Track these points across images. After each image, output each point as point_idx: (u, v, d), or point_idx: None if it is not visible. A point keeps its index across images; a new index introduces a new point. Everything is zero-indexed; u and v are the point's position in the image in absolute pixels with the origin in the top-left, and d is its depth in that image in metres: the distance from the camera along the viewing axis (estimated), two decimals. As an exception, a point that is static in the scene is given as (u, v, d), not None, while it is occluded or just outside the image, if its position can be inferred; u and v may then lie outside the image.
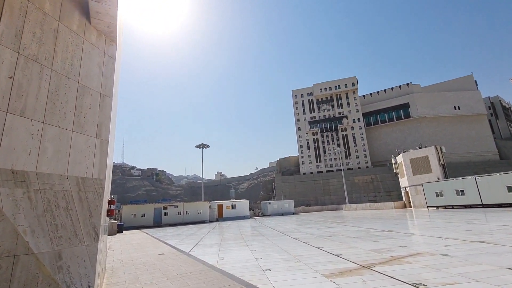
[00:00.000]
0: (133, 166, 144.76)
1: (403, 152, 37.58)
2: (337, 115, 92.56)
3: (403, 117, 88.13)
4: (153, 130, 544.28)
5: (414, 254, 7.06)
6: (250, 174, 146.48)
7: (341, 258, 7.15)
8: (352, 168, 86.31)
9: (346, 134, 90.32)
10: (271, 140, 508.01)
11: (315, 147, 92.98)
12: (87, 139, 4.01)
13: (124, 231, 25.86)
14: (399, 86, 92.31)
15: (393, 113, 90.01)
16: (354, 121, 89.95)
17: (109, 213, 5.79)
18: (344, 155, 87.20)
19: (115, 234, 23.31)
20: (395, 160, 40.40)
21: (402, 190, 38.96)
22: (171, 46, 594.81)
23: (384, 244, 8.97)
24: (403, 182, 37.85)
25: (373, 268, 5.82)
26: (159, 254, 10.04)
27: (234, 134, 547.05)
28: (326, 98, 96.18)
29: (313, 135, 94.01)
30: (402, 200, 40.61)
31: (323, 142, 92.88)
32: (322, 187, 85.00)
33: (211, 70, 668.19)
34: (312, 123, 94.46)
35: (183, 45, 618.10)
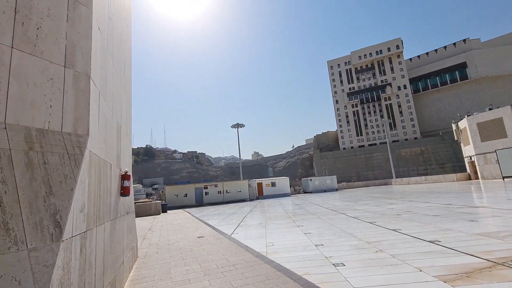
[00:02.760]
0: (175, 150, 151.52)
1: (468, 116, 32.14)
2: (379, 83, 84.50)
3: (458, 79, 77.46)
4: (191, 114, 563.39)
5: None
6: (287, 152, 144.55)
7: (442, 246, 5.02)
8: (398, 140, 79.40)
9: (391, 104, 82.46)
10: (306, 117, 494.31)
11: (355, 120, 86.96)
12: (46, 67, 2.36)
13: (168, 211, 26.18)
14: (454, 44, 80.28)
15: (447, 75, 79.36)
16: (399, 88, 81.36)
17: (123, 191, 4.36)
18: (388, 126, 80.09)
19: (159, 214, 23.57)
20: (457, 126, 34.97)
21: (466, 160, 33.86)
22: (202, 25, 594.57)
23: (492, 225, 6.54)
24: (468, 150, 32.73)
25: (518, 267, 3.64)
26: (198, 237, 8.85)
27: (268, 113, 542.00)
28: (366, 65, 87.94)
29: (353, 107, 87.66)
30: (465, 171, 35.56)
31: (364, 114, 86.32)
32: (365, 162, 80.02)
33: (241, 47, 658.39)
34: (351, 94, 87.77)
35: (213, 23, 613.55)
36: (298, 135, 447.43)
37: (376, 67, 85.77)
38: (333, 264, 4.55)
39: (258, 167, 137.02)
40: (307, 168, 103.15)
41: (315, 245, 6.07)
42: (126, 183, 4.39)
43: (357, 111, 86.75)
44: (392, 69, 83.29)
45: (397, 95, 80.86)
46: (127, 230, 5.24)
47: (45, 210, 1.89)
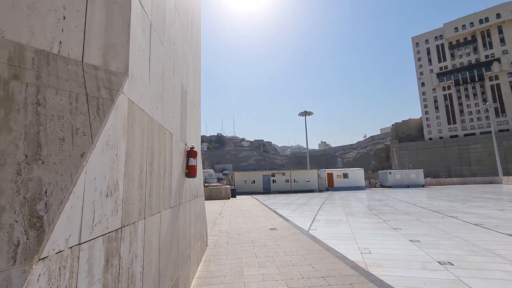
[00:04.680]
0: (243, 138, 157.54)
1: None
2: (482, 59, 68.99)
3: None
4: (258, 103, 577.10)
5: None
6: (358, 142, 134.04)
7: None
8: (508, 130, 63.99)
9: (498, 84, 66.68)
10: (381, 104, 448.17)
11: (446, 105, 73.64)
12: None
13: (237, 196, 26.58)
14: None
15: None
16: (512, 64, 64.69)
17: (188, 171, 3.50)
18: (494, 112, 65.05)
19: (229, 198, 24.01)
20: None
21: None
22: (268, 12, 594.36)
23: None
24: None
25: None
26: (271, 229, 7.87)
27: (337, 101, 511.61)
28: (465, 39, 72.69)
29: (444, 90, 74.27)
30: None
31: (459, 98, 72.29)
32: (458, 155, 67.45)
33: (307, 31, 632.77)
34: (442, 75, 74.34)
35: (279, 9, 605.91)
36: (371, 124, 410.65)
37: (479, 39, 70.00)
38: (498, 306, 2.80)
39: (325, 157, 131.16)
40: (382, 160, 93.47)
41: (439, 263, 4.26)
42: (192, 161, 3.51)
43: (450, 94, 73.18)
44: (502, 40, 66.73)
45: (509, 72, 64.60)
46: (195, 218, 4.49)
47: (13, 191, 0.92)
